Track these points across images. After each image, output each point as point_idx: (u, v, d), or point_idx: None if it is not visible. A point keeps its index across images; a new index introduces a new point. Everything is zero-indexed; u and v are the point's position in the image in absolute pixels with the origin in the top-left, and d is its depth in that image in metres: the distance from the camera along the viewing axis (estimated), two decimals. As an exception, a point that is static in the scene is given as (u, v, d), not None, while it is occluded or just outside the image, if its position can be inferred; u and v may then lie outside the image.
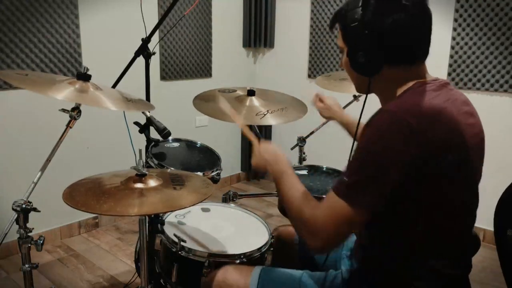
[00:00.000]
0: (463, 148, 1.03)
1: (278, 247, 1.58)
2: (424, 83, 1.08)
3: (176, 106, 3.36)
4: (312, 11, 3.63)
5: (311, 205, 1.10)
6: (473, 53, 2.89)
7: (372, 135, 1.01)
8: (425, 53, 1.10)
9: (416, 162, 0.97)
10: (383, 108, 1.05)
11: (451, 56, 2.97)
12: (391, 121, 0.98)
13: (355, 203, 1.00)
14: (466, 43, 2.90)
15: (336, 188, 1.04)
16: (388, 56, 1.06)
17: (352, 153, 1.06)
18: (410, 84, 1.09)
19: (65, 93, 1.38)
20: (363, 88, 1.16)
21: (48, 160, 1.40)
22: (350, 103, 2.33)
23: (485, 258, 2.58)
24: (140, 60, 1.94)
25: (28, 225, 1.33)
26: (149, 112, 1.72)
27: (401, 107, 1.01)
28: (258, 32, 3.87)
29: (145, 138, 1.94)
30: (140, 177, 1.34)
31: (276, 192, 2.00)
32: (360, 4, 1.04)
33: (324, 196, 1.84)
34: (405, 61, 1.08)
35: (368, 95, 1.17)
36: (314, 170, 2.19)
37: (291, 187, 1.17)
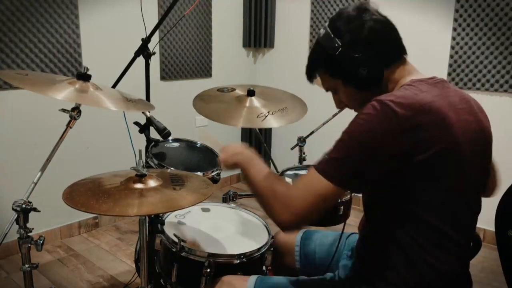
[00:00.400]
0: (450, 143, 1.04)
1: (277, 252, 1.58)
2: (419, 80, 1.10)
3: (176, 106, 3.36)
4: (312, 11, 3.63)
5: (284, 182, 1.14)
6: (473, 53, 2.89)
7: (358, 118, 1.04)
8: (403, 48, 1.17)
9: (400, 151, 1.00)
10: (374, 98, 1.07)
11: (451, 56, 2.97)
12: (377, 108, 1.01)
13: (329, 177, 1.03)
14: (466, 43, 2.90)
15: (317, 163, 1.07)
16: (383, 59, 1.12)
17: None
18: (407, 81, 1.12)
19: (65, 93, 1.38)
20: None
21: (48, 160, 1.40)
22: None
23: (485, 258, 2.58)
24: (140, 60, 1.94)
25: (28, 225, 1.33)
26: (149, 112, 1.72)
27: (388, 97, 1.04)
28: (258, 32, 3.87)
29: (145, 138, 1.94)
30: (140, 177, 1.34)
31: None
32: (331, 36, 1.12)
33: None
34: (396, 58, 1.15)
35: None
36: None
37: (261, 170, 1.19)
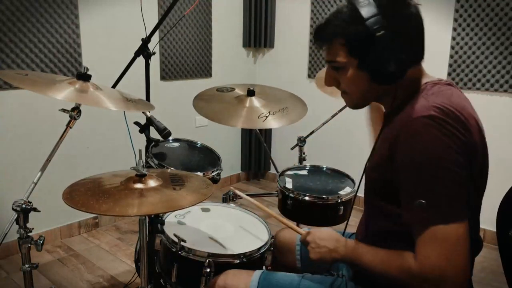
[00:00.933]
0: (483, 142, 1.05)
1: (278, 251, 1.58)
2: (434, 83, 1.08)
3: (176, 106, 3.36)
4: (312, 11, 3.63)
5: (410, 258, 0.99)
6: (473, 53, 2.89)
7: (424, 147, 0.95)
8: (424, 50, 1.11)
9: (468, 160, 0.97)
10: (414, 115, 0.98)
11: (451, 56, 2.97)
12: (435, 126, 0.95)
13: (457, 217, 0.93)
14: (466, 43, 2.90)
15: (426, 219, 0.95)
16: (413, 57, 1.05)
17: (407, 178, 0.99)
18: (420, 84, 1.08)
19: (65, 93, 1.38)
20: (371, 99, 1.13)
21: (48, 160, 1.40)
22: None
23: (485, 258, 2.58)
24: (140, 60, 1.94)
25: (28, 225, 1.33)
26: (149, 112, 1.72)
27: (434, 109, 0.97)
28: (258, 32, 3.87)
29: (145, 138, 1.94)
30: (140, 177, 1.34)
31: (276, 192, 2.02)
32: (375, 11, 0.98)
33: (324, 196, 1.85)
34: (420, 59, 1.09)
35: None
36: (314, 170, 2.19)
37: (371, 257, 1.08)
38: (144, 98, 1.84)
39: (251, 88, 1.98)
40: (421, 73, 1.11)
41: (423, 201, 0.94)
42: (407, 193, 1.00)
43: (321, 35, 1.07)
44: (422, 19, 1.06)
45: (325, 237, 1.18)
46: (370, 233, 1.20)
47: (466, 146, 0.96)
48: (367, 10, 0.98)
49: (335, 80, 1.12)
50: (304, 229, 1.36)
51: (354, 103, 1.15)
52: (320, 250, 1.17)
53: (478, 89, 2.92)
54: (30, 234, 1.34)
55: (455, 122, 0.96)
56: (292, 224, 1.39)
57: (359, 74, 1.05)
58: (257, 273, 1.30)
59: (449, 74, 3.00)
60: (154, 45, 1.99)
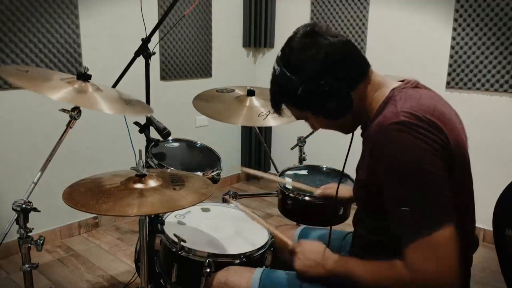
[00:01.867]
0: (461, 141, 1.04)
1: (276, 250, 1.58)
2: (400, 88, 1.08)
3: (176, 106, 3.36)
4: (312, 11, 3.63)
5: (400, 266, 0.99)
6: (473, 53, 2.89)
7: (399, 154, 0.96)
8: (366, 61, 1.12)
9: (444, 160, 0.97)
10: (384, 123, 0.99)
11: (451, 56, 2.97)
12: (406, 131, 0.95)
13: (438, 224, 0.94)
14: (466, 43, 2.90)
15: (411, 226, 0.96)
16: (348, 83, 1.06)
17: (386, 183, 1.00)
18: (386, 93, 1.08)
19: (63, 93, 1.38)
20: (349, 126, 1.18)
21: (48, 160, 1.41)
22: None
23: (485, 258, 2.58)
24: (140, 60, 1.94)
25: (28, 225, 1.33)
26: (149, 112, 1.72)
27: (402, 114, 0.97)
28: (258, 32, 3.87)
29: (145, 138, 1.94)
30: (140, 177, 1.34)
31: (276, 192, 2.02)
32: (287, 74, 1.06)
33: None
34: (361, 76, 1.09)
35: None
36: (314, 170, 2.19)
37: (362, 270, 1.08)
38: (144, 98, 1.84)
39: (251, 88, 1.98)
40: (375, 84, 1.11)
41: (407, 208, 0.95)
42: (391, 202, 1.00)
43: (275, 107, 1.17)
44: (336, 43, 1.05)
45: (314, 250, 1.20)
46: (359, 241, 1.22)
47: (442, 147, 0.97)
48: (280, 77, 1.08)
49: (314, 125, 1.21)
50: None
51: (343, 132, 1.22)
52: (307, 262, 1.19)
53: (478, 89, 2.92)
54: (30, 234, 1.34)
55: (426, 124, 0.96)
56: (284, 237, 1.42)
57: (318, 118, 1.14)
58: (259, 270, 1.30)
59: (449, 74, 3.00)
60: (154, 45, 1.99)
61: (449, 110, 1.08)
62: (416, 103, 1.01)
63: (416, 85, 1.11)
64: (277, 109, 1.18)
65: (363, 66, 1.10)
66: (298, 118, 1.18)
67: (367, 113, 1.12)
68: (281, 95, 1.13)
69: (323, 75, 1.04)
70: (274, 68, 1.11)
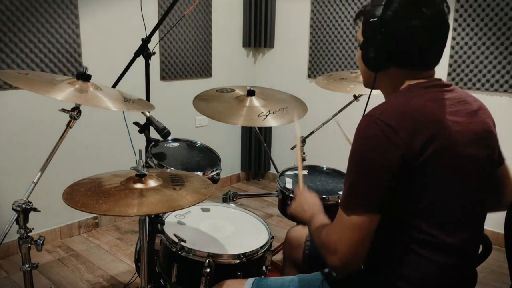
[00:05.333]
0: (445, 144, 1.03)
1: (288, 246, 1.60)
2: (415, 84, 1.10)
3: (176, 106, 3.36)
4: (312, 11, 3.63)
5: (326, 227, 1.13)
6: (473, 53, 2.89)
7: (355, 140, 1.05)
8: (434, 62, 1.12)
9: (396, 158, 1.00)
10: (366, 113, 1.07)
11: (451, 56, 2.97)
12: (370, 124, 1.02)
13: (353, 208, 1.03)
14: (466, 43, 2.90)
15: (340, 202, 1.07)
16: (396, 58, 1.09)
17: None
18: (407, 85, 1.11)
19: (65, 93, 1.38)
20: (369, 83, 1.18)
21: (48, 160, 1.40)
22: (350, 103, 2.33)
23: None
24: (140, 60, 1.94)
25: (28, 225, 1.33)
26: (149, 112, 1.72)
27: (379, 108, 1.04)
28: (258, 32, 3.87)
29: (145, 138, 1.94)
30: (140, 177, 1.34)
31: (276, 192, 2.02)
32: (383, 2, 1.07)
33: (324, 196, 1.86)
34: (412, 65, 1.10)
35: (371, 96, 1.19)
36: (314, 170, 2.19)
37: (318, 223, 1.20)
38: (144, 98, 1.84)
39: (251, 88, 1.98)
40: (409, 77, 1.11)
41: (344, 188, 1.07)
42: None
43: (358, 12, 1.18)
44: (431, 27, 1.06)
45: (310, 201, 1.33)
46: None
47: (398, 147, 0.99)
48: (379, 0, 1.08)
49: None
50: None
51: (363, 81, 1.23)
52: (300, 208, 1.32)
53: (478, 89, 2.92)
54: (30, 234, 1.34)
55: (392, 122, 1.00)
56: (300, 170, 1.52)
57: (359, 54, 1.16)
58: (250, 281, 1.31)
59: (449, 74, 3.00)
60: (154, 45, 1.99)
61: (452, 116, 1.06)
62: (404, 100, 1.05)
63: (432, 85, 1.10)
64: (355, 19, 1.20)
65: (424, 60, 1.11)
66: (357, 39, 1.19)
67: (389, 92, 1.15)
68: (366, 10, 1.13)
69: (394, 31, 1.05)
70: None
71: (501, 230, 1.23)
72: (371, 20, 1.08)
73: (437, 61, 1.12)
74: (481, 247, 1.24)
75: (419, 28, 1.05)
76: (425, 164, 1.01)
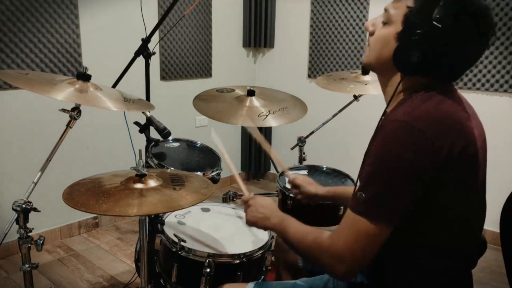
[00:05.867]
0: (474, 151, 1.01)
1: (280, 250, 1.58)
2: (430, 90, 1.05)
3: (176, 106, 3.36)
4: (312, 11, 3.63)
5: (326, 234, 1.06)
6: (473, 53, 2.88)
7: (385, 146, 0.97)
8: (456, 77, 1.08)
9: (432, 170, 0.95)
10: (392, 117, 1.00)
11: (451, 56, 2.97)
12: (403, 131, 0.95)
13: (375, 218, 0.97)
14: (466, 43, 2.90)
15: (354, 206, 1.00)
16: (432, 68, 1.00)
17: (364, 166, 1.02)
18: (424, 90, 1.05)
19: (65, 93, 1.38)
20: (379, 68, 1.11)
21: (48, 160, 1.40)
22: (350, 103, 2.33)
23: (485, 258, 2.57)
24: (140, 60, 1.94)
25: (28, 225, 1.33)
26: (149, 112, 1.72)
27: (410, 114, 0.97)
28: (258, 32, 3.87)
29: (145, 138, 1.94)
30: (140, 177, 1.34)
31: (276, 192, 2.02)
32: (451, 10, 0.95)
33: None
34: (441, 77, 1.05)
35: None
36: (314, 170, 2.19)
37: (298, 228, 1.14)
38: (144, 98, 1.84)
39: (251, 88, 1.98)
40: (427, 85, 1.04)
41: (363, 194, 0.99)
42: (358, 183, 1.03)
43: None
44: (473, 54, 1.01)
45: (266, 205, 1.27)
46: None
47: (433, 157, 0.94)
48: (451, 2, 0.96)
49: (374, 26, 1.11)
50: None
51: (367, 60, 1.13)
52: (257, 215, 1.26)
53: (478, 89, 2.92)
54: (30, 234, 1.34)
55: (427, 130, 0.94)
56: (240, 181, 1.49)
57: (391, 40, 1.04)
58: (250, 285, 1.30)
59: (449, 74, 3.00)
60: (154, 45, 1.99)
61: (471, 121, 1.04)
62: (433, 106, 0.99)
63: (447, 88, 1.06)
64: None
65: (452, 76, 1.06)
66: (386, 11, 1.07)
67: (394, 90, 1.08)
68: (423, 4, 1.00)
69: (452, 41, 0.96)
70: None
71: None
72: (434, 23, 0.95)
73: (459, 77, 1.08)
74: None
75: (472, 51, 1.00)
76: (456, 172, 0.98)
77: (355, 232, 0.99)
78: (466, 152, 0.99)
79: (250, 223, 1.29)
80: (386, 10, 1.07)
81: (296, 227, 1.15)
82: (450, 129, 0.97)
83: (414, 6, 1.00)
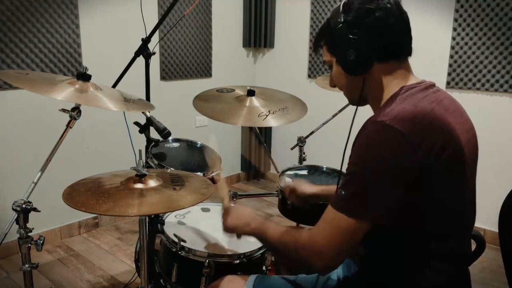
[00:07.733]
0: (456, 147, 1.03)
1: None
2: (410, 87, 1.08)
3: (176, 106, 3.36)
4: (312, 11, 3.63)
5: (304, 231, 1.09)
6: (473, 53, 2.89)
7: (364, 146, 1.01)
8: (409, 50, 1.12)
9: (412, 168, 0.96)
10: (372, 119, 1.03)
11: (451, 56, 2.97)
12: (381, 130, 0.98)
13: (354, 214, 0.99)
14: (466, 43, 2.90)
15: (334, 202, 1.03)
16: (375, 51, 1.07)
17: (346, 165, 1.05)
18: (397, 88, 1.08)
19: (65, 93, 1.38)
20: (356, 93, 1.16)
21: (48, 160, 1.40)
22: (347, 105, 2.32)
23: (485, 258, 2.58)
24: (140, 60, 1.94)
25: (28, 225, 1.33)
26: (149, 112, 1.72)
27: (388, 115, 1.00)
28: (258, 32, 3.87)
29: (145, 138, 1.94)
30: (140, 177, 1.34)
31: (276, 192, 2.02)
32: (340, 9, 1.08)
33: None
34: (392, 56, 1.10)
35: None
36: (314, 170, 2.19)
37: (275, 229, 1.18)
38: (144, 98, 1.84)
39: (251, 88, 1.98)
40: (399, 74, 1.10)
41: (342, 191, 1.01)
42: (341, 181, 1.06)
43: (314, 43, 1.21)
44: (395, 15, 1.07)
45: (245, 212, 1.31)
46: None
47: (412, 155, 0.96)
48: (333, 11, 1.11)
49: (332, 81, 1.22)
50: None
51: (348, 99, 1.22)
52: (237, 221, 1.29)
53: (478, 89, 2.92)
54: (30, 234, 1.34)
55: (404, 129, 0.96)
56: (226, 193, 1.49)
57: (338, 69, 1.14)
58: (252, 278, 1.30)
59: (449, 74, 3.00)
60: (154, 45, 1.99)
61: (454, 117, 1.06)
62: (412, 105, 1.01)
63: (428, 86, 1.10)
64: (315, 46, 1.20)
65: (401, 49, 1.11)
66: (325, 62, 1.19)
67: (376, 99, 1.13)
68: (324, 29, 1.15)
69: (362, 29, 1.06)
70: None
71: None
72: (338, 27, 1.07)
73: (411, 49, 1.12)
74: (474, 246, 1.25)
75: (383, 18, 1.05)
76: (439, 171, 0.99)
77: (334, 227, 1.02)
78: (448, 149, 0.99)
79: (229, 229, 1.31)
80: (326, 64, 1.20)
81: (274, 227, 1.18)
82: (428, 126, 0.99)
83: (326, 38, 1.15)
